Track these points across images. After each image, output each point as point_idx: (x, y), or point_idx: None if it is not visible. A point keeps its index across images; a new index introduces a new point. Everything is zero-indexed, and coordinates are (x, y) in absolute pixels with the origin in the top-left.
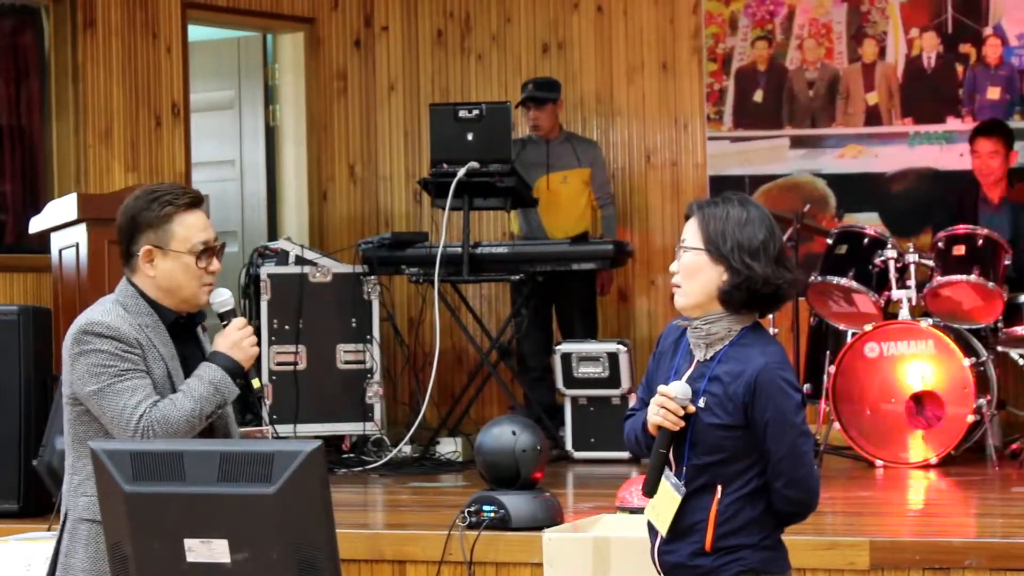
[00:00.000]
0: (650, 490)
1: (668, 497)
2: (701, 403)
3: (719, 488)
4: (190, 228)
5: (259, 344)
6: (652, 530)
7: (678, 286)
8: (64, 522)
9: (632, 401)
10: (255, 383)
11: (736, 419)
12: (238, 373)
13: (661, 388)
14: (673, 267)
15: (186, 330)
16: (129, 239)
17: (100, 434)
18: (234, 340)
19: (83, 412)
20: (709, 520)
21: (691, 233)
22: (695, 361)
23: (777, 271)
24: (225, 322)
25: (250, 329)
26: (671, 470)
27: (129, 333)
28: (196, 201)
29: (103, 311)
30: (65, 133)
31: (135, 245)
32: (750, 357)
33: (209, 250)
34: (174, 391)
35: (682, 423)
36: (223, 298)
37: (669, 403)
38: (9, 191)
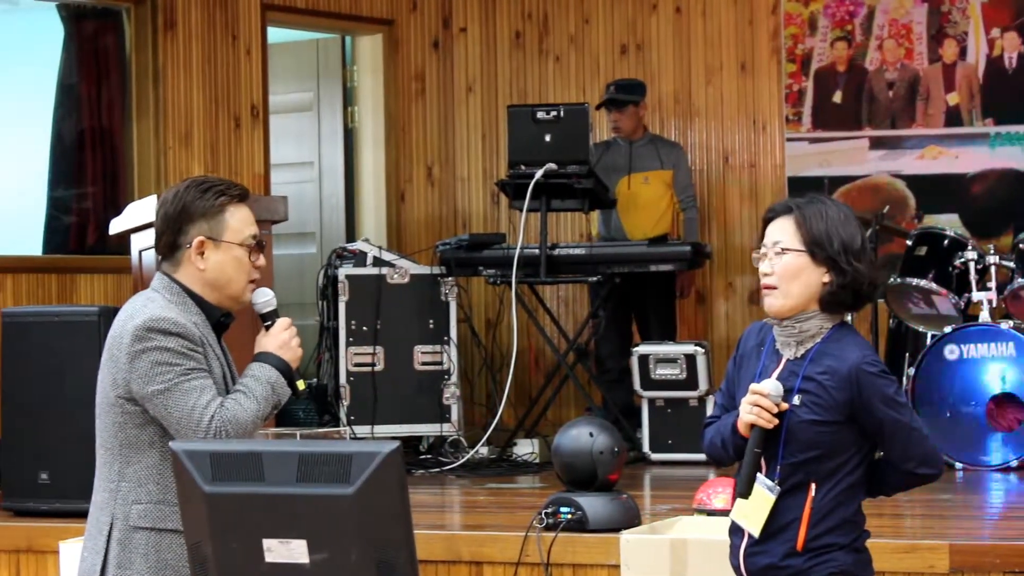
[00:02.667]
0: (744, 490)
1: (760, 497)
2: (796, 400)
3: (812, 486)
4: (242, 221)
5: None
6: (735, 532)
7: (773, 287)
8: (110, 533)
9: (710, 408)
10: (300, 385)
11: (834, 415)
12: (288, 374)
13: (754, 386)
14: (765, 268)
15: (222, 329)
16: (178, 230)
17: (157, 437)
18: (283, 340)
19: (138, 414)
20: (803, 519)
21: (788, 234)
22: (783, 360)
23: (874, 271)
24: (268, 322)
25: (295, 329)
26: (761, 471)
27: (193, 330)
28: (246, 194)
29: (162, 307)
30: (145, 135)
31: (184, 236)
32: (845, 352)
33: (258, 244)
34: (227, 390)
35: (776, 421)
36: (266, 298)
37: (763, 400)
38: (90, 193)
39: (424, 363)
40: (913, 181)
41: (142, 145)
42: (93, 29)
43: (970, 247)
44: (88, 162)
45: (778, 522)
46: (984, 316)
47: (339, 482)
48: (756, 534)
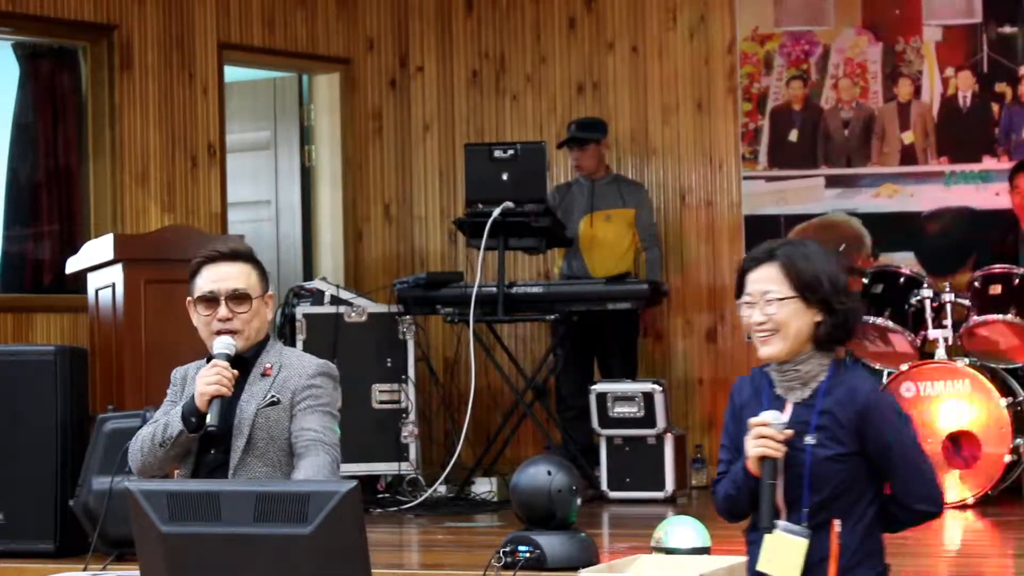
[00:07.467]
0: (768, 522)
1: (791, 545)
2: (812, 440)
3: (836, 523)
4: (205, 279)
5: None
6: None
7: (773, 331)
8: None
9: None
10: (208, 418)
11: (849, 447)
12: (192, 411)
13: (752, 420)
14: (758, 317)
15: (246, 370)
16: None
17: None
18: (197, 383)
19: None
20: (831, 557)
21: (776, 282)
22: (789, 403)
23: (859, 303)
24: None
25: (217, 368)
26: (782, 516)
27: (177, 373)
28: (216, 255)
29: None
30: (102, 174)
31: None
32: (856, 385)
33: (208, 299)
34: None
35: (784, 449)
36: (220, 344)
37: (766, 430)
38: (47, 232)
39: (382, 401)
40: (869, 219)
41: (98, 184)
42: (49, 68)
43: (926, 285)
44: (44, 201)
45: (809, 561)
46: (940, 354)
47: (296, 522)
48: None
